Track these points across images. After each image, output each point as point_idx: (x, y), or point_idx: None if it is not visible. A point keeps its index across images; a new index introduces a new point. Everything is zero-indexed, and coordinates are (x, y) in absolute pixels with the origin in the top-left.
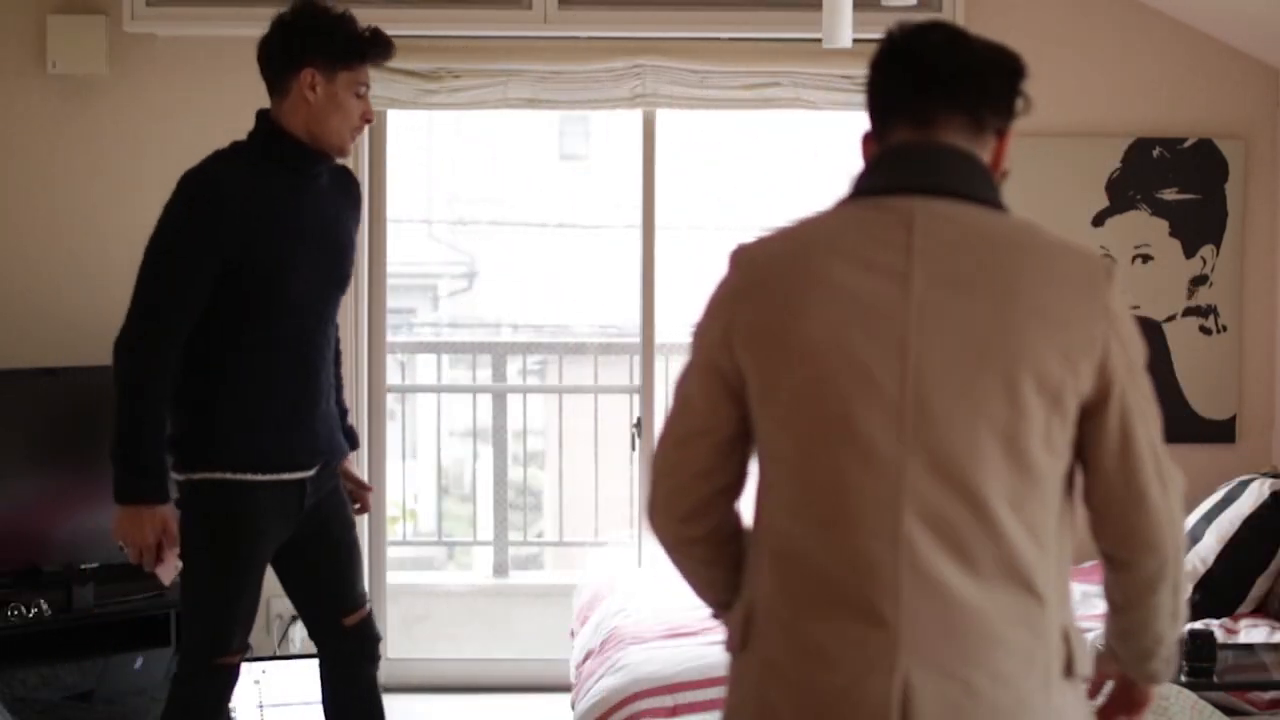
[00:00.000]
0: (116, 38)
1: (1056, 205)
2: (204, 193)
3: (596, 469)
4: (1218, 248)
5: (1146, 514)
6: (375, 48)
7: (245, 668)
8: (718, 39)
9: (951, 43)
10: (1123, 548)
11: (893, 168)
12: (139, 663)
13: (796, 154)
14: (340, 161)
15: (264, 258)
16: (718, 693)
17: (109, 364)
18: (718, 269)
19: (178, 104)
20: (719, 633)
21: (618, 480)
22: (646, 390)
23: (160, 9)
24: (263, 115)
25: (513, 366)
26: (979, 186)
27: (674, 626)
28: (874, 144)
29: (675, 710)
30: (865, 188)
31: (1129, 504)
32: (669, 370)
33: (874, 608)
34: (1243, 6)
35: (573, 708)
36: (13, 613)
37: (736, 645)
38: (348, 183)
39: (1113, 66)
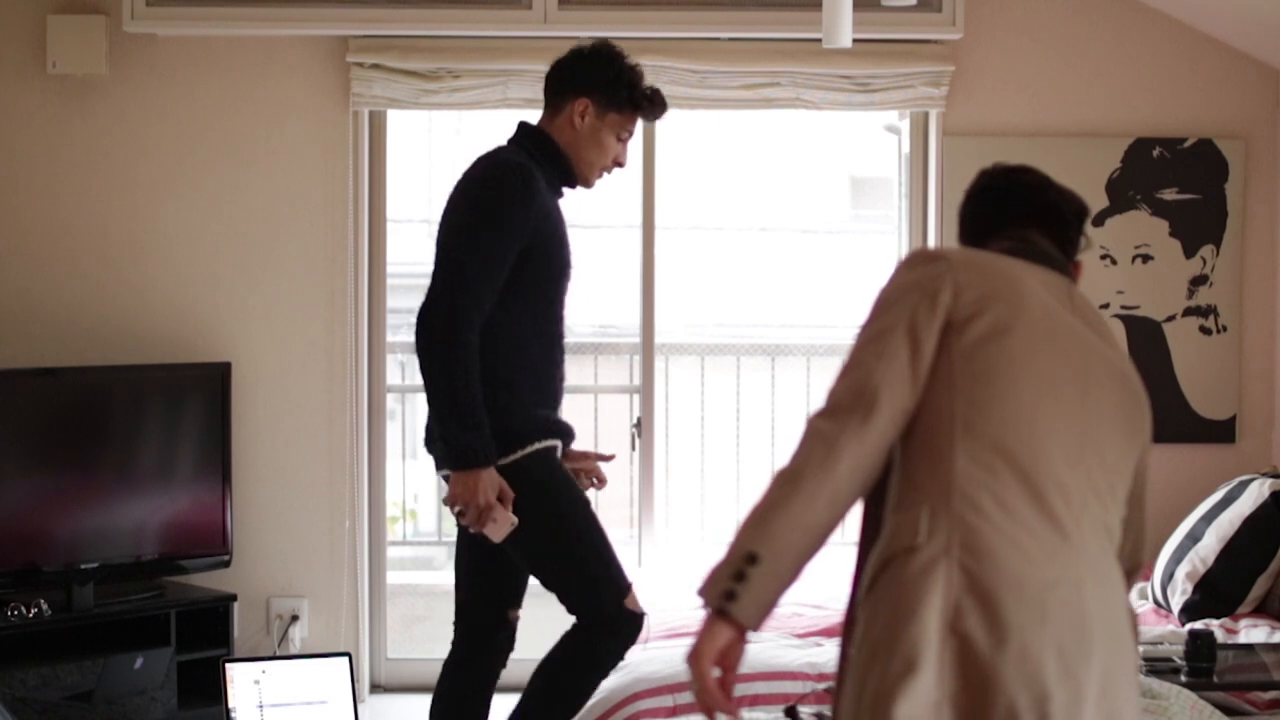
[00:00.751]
0: (116, 38)
1: None
2: (524, 179)
3: None
4: (1218, 248)
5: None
6: (650, 105)
7: (245, 668)
8: (718, 39)
9: (1041, 186)
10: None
11: (1037, 250)
12: (139, 663)
13: (796, 154)
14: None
15: (548, 248)
16: None
17: (109, 364)
18: (709, 268)
19: (178, 104)
20: None
21: (618, 480)
22: (646, 390)
23: (160, 9)
24: (526, 125)
25: None
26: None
27: (674, 626)
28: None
29: (675, 710)
30: (1029, 254)
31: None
32: (669, 370)
33: (1062, 525)
34: (1243, 6)
35: None
36: (13, 613)
37: (916, 537)
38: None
39: (1113, 66)
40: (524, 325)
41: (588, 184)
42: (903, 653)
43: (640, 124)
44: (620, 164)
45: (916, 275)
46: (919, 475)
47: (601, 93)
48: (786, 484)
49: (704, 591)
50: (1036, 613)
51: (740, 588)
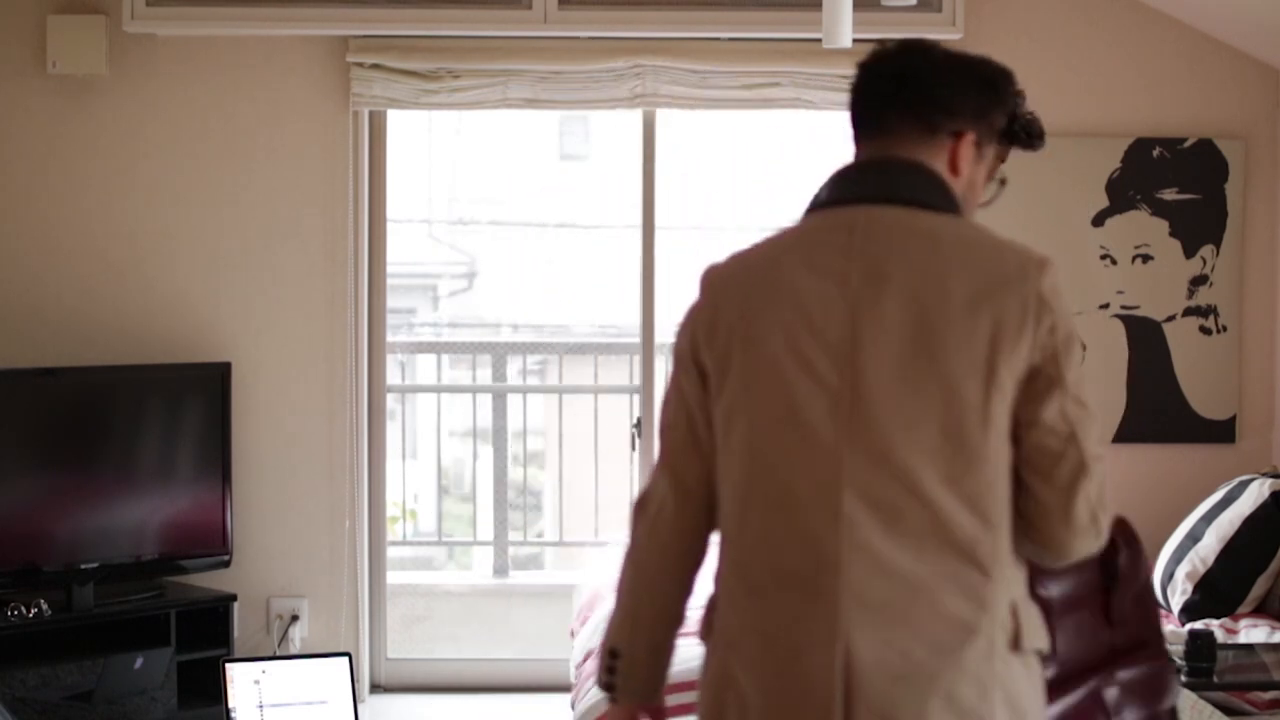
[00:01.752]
0: (116, 38)
1: (1056, 205)
2: None
3: (596, 469)
4: (1218, 248)
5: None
6: (1031, 139)
7: (245, 668)
8: (718, 39)
9: (910, 53)
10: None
11: (843, 181)
12: (139, 663)
13: (796, 154)
14: None
15: None
16: None
17: (109, 364)
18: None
19: (178, 104)
20: None
21: (618, 480)
22: (646, 390)
23: (160, 9)
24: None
25: (513, 366)
26: (925, 192)
27: None
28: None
29: (674, 710)
30: (820, 202)
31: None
32: (669, 370)
33: (815, 582)
34: (1243, 6)
35: (573, 708)
36: (13, 613)
37: (704, 632)
38: None
39: (1113, 66)
40: None
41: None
42: None
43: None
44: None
45: (677, 333)
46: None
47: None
48: (622, 573)
49: (597, 684)
50: (778, 695)
51: (615, 679)
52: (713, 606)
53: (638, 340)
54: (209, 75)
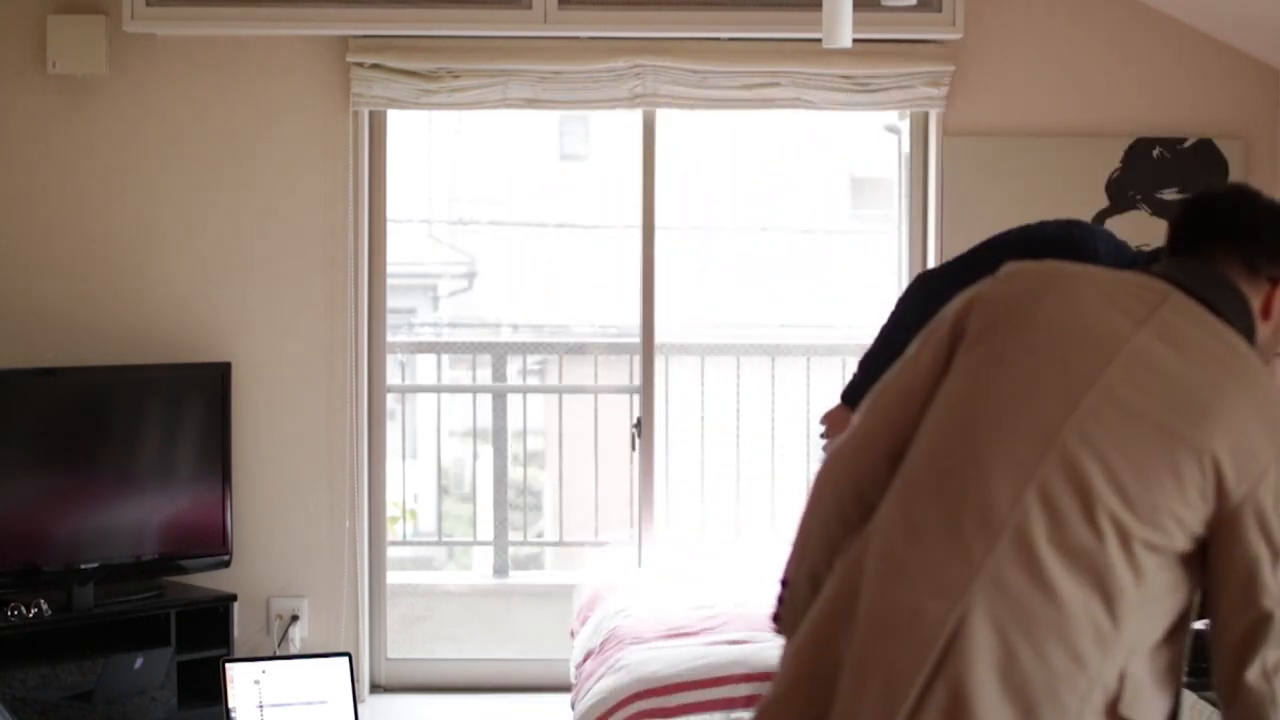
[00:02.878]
0: (116, 38)
1: (1057, 205)
2: None
3: (596, 469)
4: None
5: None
6: None
7: (245, 668)
8: (718, 39)
9: (1239, 198)
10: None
11: (1169, 267)
12: (139, 663)
13: (796, 154)
14: None
15: None
16: (718, 693)
17: (109, 364)
18: (709, 268)
19: (178, 104)
20: (719, 632)
21: (618, 480)
22: (646, 390)
23: (160, 9)
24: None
25: (513, 366)
26: (1232, 310)
27: (674, 626)
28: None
29: (675, 710)
30: (1138, 261)
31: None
32: (669, 370)
33: (969, 545)
34: (1243, 6)
35: (573, 708)
36: (13, 613)
37: (843, 555)
38: None
39: (1113, 66)
40: None
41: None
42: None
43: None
44: None
45: (954, 299)
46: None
47: None
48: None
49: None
50: (886, 629)
51: (782, 609)
52: (864, 544)
53: (638, 340)
54: (209, 75)
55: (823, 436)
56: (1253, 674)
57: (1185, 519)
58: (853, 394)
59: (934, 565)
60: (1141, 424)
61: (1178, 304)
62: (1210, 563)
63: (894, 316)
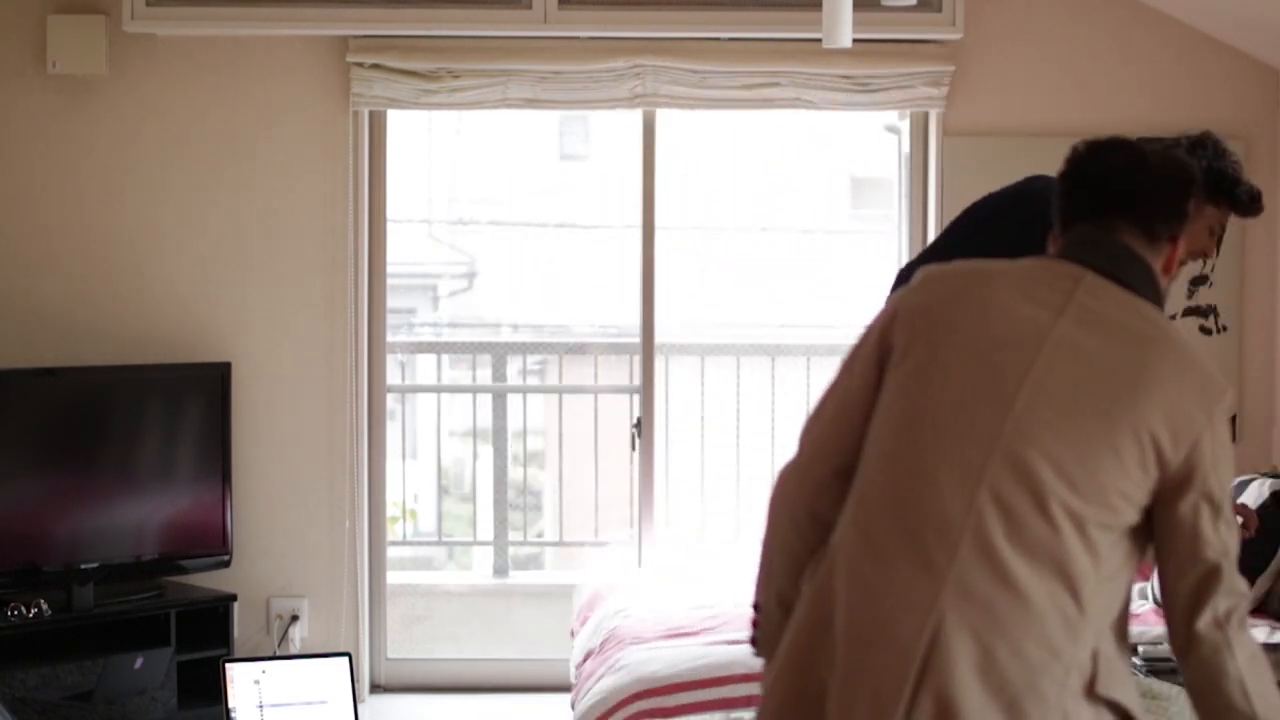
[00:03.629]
0: (116, 38)
1: None
2: None
3: (596, 469)
4: (1218, 248)
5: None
6: (1247, 203)
7: (245, 668)
8: (718, 39)
9: (1129, 164)
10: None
11: (1073, 246)
12: (139, 663)
13: (796, 154)
14: None
15: None
16: (718, 693)
17: (109, 364)
18: (709, 268)
19: (178, 104)
20: (719, 632)
21: (618, 480)
22: (646, 390)
23: (160, 9)
24: None
25: (513, 366)
26: (1141, 283)
27: (674, 626)
28: (1058, 239)
29: (675, 710)
30: (1049, 254)
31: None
32: (669, 370)
33: (931, 556)
34: (1243, 6)
35: (573, 708)
36: (13, 613)
37: (808, 578)
38: None
39: (1113, 66)
40: None
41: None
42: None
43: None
44: (1206, 254)
45: (873, 321)
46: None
47: (1204, 185)
48: (764, 531)
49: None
50: (864, 648)
51: (758, 634)
52: (820, 558)
53: (638, 340)
54: (209, 75)
55: None
56: (1204, 623)
57: (1131, 494)
58: None
59: (901, 581)
60: (1076, 412)
61: (1091, 286)
62: (1156, 527)
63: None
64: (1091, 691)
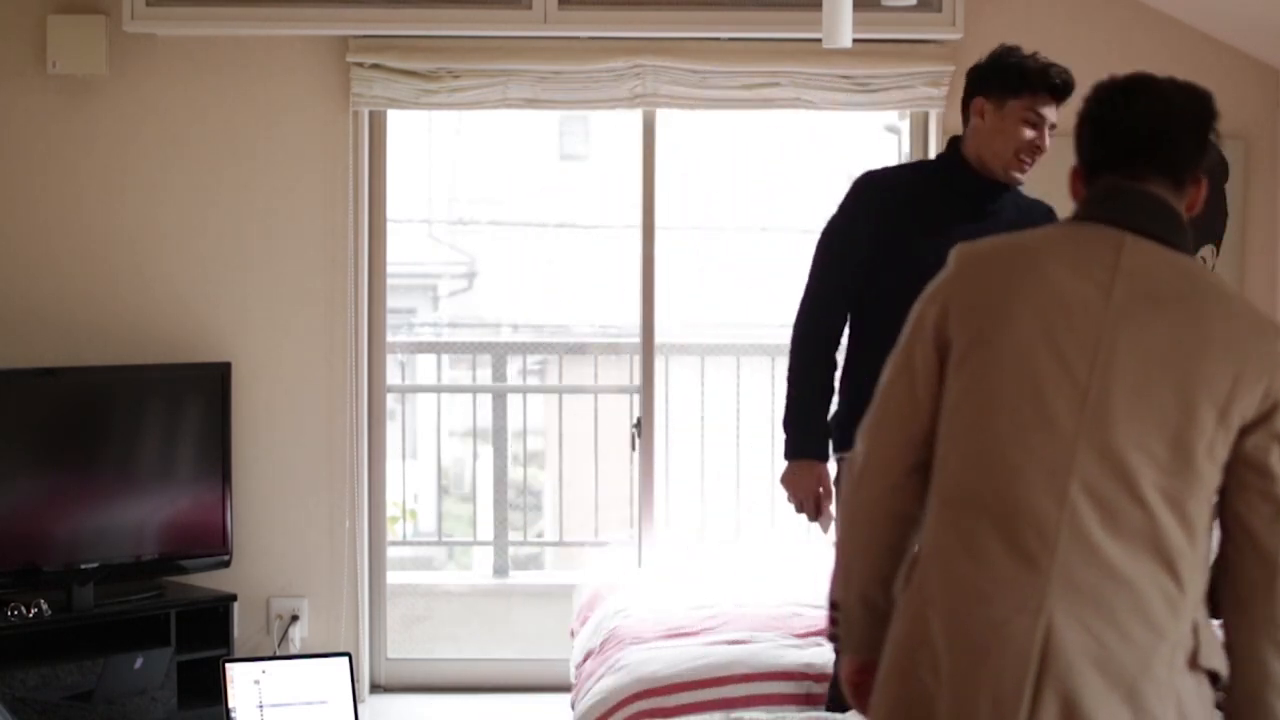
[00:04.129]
0: (116, 38)
1: (1057, 205)
2: (856, 189)
3: (596, 469)
4: (1218, 248)
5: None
6: (1044, 80)
7: (245, 668)
8: (718, 39)
9: (1156, 113)
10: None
11: (1104, 203)
12: (139, 663)
13: (796, 154)
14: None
15: (890, 257)
16: (718, 693)
17: (109, 364)
18: (709, 268)
19: (178, 104)
20: (719, 632)
21: (618, 480)
22: (646, 390)
23: (160, 9)
24: (952, 140)
25: (513, 366)
26: (1176, 235)
27: (674, 626)
28: (1080, 181)
29: (675, 710)
30: (1081, 216)
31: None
32: (669, 370)
33: (1032, 555)
34: (1243, 6)
35: (573, 708)
36: (13, 613)
37: (902, 584)
38: (1040, 221)
39: (1113, 66)
40: (866, 334)
41: (1008, 176)
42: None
43: (1016, 107)
44: (1038, 148)
45: (919, 299)
46: (929, 503)
47: (995, 87)
48: (839, 530)
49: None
50: (977, 655)
51: (838, 630)
52: (914, 563)
53: (638, 340)
54: (209, 75)
55: (799, 509)
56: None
57: (1217, 453)
58: (797, 451)
59: (1006, 582)
60: (1147, 387)
61: (1132, 250)
62: (1229, 475)
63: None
64: (1194, 664)
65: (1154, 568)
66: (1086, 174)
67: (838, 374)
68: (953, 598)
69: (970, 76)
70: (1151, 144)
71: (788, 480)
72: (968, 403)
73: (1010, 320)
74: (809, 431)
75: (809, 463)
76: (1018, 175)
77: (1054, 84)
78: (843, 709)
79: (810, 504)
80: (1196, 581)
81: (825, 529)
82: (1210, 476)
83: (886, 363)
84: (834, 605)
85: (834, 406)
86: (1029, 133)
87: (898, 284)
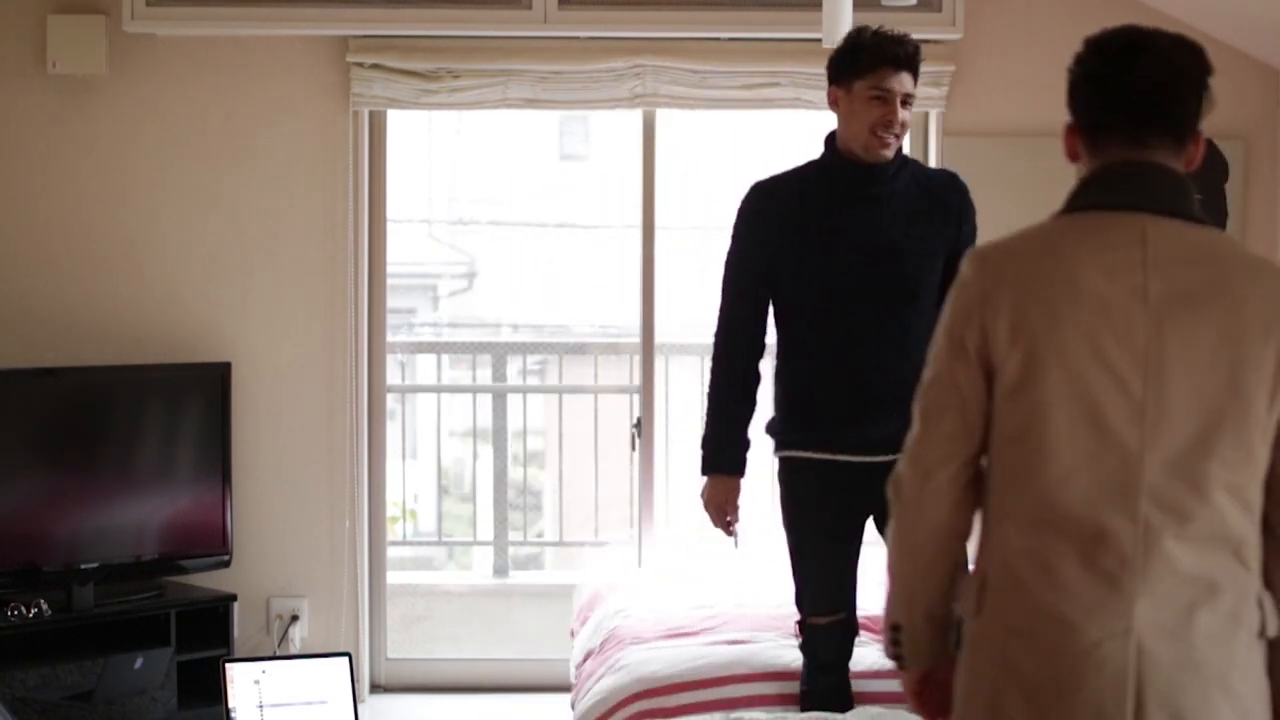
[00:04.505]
0: (116, 38)
1: (1057, 205)
2: (748, 201)
3: (596, 469)
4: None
5: None
6: (880, 54)
7: (245, 668)
8: (718, 39)
9: (1161, 73)
10: None
11: (1118, 186)
12: (139, 663)
13: (796, 154)
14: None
15: (792, 258)
16: (718, 693)
17: (109, 364)
18: (709, 268)
19: (177, 104)
20: (719, 632)
21: (618, 480)
22: (646, 390)
23: (160, 9)
24: (829, 136)
25: (513, 366)
26: (1187, 205)
27: (674, 626)
28: (1077, 140)
29: (675, 710)
30: (1097, 203)
31: None
32: (669, 370)
33: (1113, 576)
34: (1243, 6)
35: (573, 708)
36: (13, 613)
37: (973, 610)
38: (941, 192)
39: None
40: (787, 338)
41: (869, 154)
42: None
43: (887, 81)
44: (889, 121)
45: (950, 316)
46: (987, 522)
47: (841, 72)
48: (892, 551)
49: (885, 655)
50: (1072, 682)
51: (901, 650)
52: (982, 587)
53: (638, 340)
54: (209, 75)
55: (727, 527)
56: None
57: (1266, 427)
58: (712, 467)
59: (1091, 607)
60: (1198, 384)
61: (1155, 237)
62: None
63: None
64: (1263, 633)
65: (1224, 559)
66: (1087, 136)
67: (763, 383)
68: (1039, 627)
69: (827, 70)
70: (1157, 104)
71: (704, 495)
72: (1031, 433)
73: (1058, 344)
74: (723, 448)
75: (722, 478)
76: (883, 153)
77: (891, 55)
78: (817, 708)
79: (722, 519)
80: (1256, 557)
81: (736, 544)
82: (1264, 458)
83: (923, 380)
84: (895, 627)
85: (772, 412)
86: (878, 109)
87: (809, 285)
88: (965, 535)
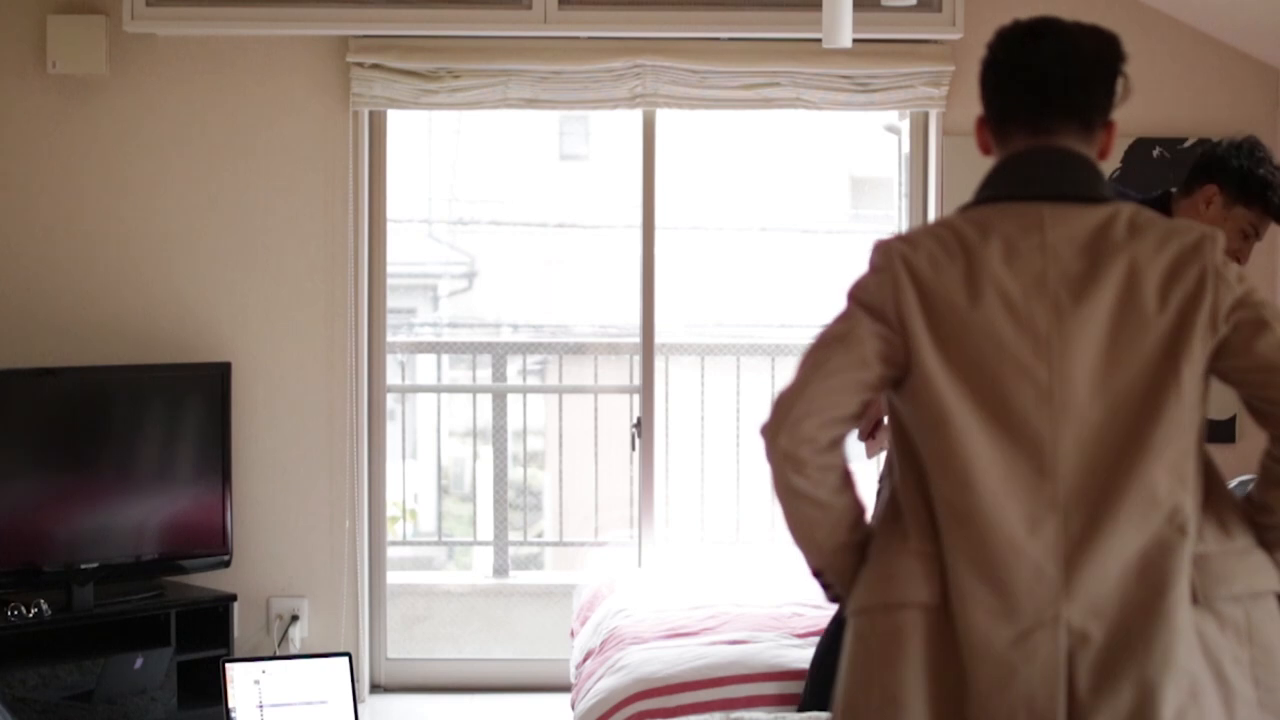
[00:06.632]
0: (116, 38)
1: None
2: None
3: (596, 469)
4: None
5: None
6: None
7: (245, 668)
8: (718, 39)
9: (1064, 56)
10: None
11: (1020, 175)
12: (139, 663)
13: (796, 154)
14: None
15: None
16: (718, 693)
17: (109, 364)
18: (709, 268)
19: (178, 104)
20: (719, 632)
21: (618, 480)
22: (646, 390)
23: (160, 9)
24: (1165, 194)
25: (513, 366)
26: (1093, 186)
27: (674, 626)
28: (987, 132)
29: (675, 710)
30: (999, 195)
31: None
32: (669, 370)
33: (1039, 565)
34: (1243, 6)
35: (573, 708)
36: (13, 613)
37: (930, 600)
38: None
39: None
40: None
41: None
42: (887, 689)
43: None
44: (1239, 258)
45: (859, 289)
46: (902, 514)
47: (1235, 185)
48: (786, 515)
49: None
50: (1002, 673)
51: (833, 589)
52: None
53: (638, 340)
54: (209, 75)
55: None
56: None
57: (1191, 388)
58: None
59: (1020, 596)
60: (1102, 364)
61: (1052, 222)
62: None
63: None
64: (1195, 600)
65: (1158, 531)
66: (994, 125)
67: None
68: (968, 617)
69: (1214, 156)
70: (1060, 88)
71: None
72: (940, 426)
73: (966, 329)
74: None
75: None
76: None
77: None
78: (817, 708)
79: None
80: (1193, 522)
81: (870, 454)
82: (1189, 421)
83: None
84: (817, 573)
85: None
86: (1241, 242)
87: None
88: (844, 466)
